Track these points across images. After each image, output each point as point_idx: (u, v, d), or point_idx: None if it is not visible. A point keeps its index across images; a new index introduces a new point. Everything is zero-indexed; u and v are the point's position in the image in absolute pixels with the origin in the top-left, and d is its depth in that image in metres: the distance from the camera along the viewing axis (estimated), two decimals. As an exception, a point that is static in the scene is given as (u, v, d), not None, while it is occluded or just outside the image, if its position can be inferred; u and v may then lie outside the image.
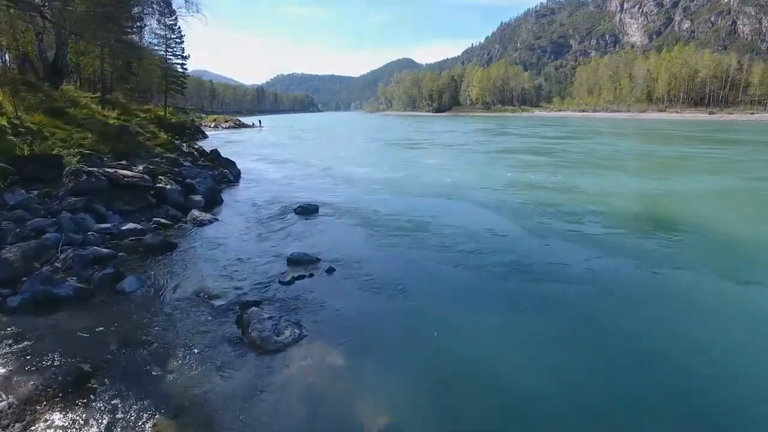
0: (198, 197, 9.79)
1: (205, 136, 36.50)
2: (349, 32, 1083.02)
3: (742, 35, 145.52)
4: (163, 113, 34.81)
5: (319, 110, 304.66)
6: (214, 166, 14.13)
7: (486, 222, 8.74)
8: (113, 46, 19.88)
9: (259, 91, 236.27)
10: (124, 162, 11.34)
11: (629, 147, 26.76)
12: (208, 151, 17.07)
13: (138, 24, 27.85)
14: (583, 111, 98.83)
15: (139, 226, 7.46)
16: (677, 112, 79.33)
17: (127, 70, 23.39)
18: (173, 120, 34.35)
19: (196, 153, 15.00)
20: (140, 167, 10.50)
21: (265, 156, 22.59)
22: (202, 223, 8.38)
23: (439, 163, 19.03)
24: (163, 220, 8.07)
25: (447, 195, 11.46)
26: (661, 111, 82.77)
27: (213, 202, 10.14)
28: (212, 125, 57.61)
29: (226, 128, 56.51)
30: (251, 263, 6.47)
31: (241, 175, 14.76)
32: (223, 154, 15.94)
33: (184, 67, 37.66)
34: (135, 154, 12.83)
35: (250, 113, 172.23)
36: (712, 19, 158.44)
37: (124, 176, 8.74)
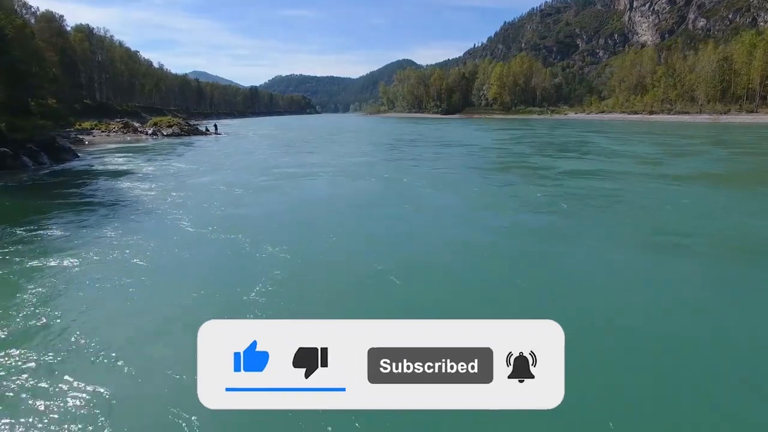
0: None
1: (64, 159, 18.80)
2: (349, 33, 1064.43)
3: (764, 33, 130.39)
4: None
5: (317, 112, 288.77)
6: None
7: None
8: None
9: (253, 92, 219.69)
10: None
11: None
12: None
13: None
14: (635, 113, 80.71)
15: None
16: (778, 114, 61.60)
17: None
18: (-22, 128, 16.76)
19: None
20: None
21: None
22: None
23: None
24: None
25: None
26: (750, 112, 64.85)
27: None
28: (150, 131, 40.65)
29: (167, 135, 39.32)
30: None
31: None
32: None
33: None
34: None
35: (242, 115, 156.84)
36: (730, 16, 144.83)
37: None
